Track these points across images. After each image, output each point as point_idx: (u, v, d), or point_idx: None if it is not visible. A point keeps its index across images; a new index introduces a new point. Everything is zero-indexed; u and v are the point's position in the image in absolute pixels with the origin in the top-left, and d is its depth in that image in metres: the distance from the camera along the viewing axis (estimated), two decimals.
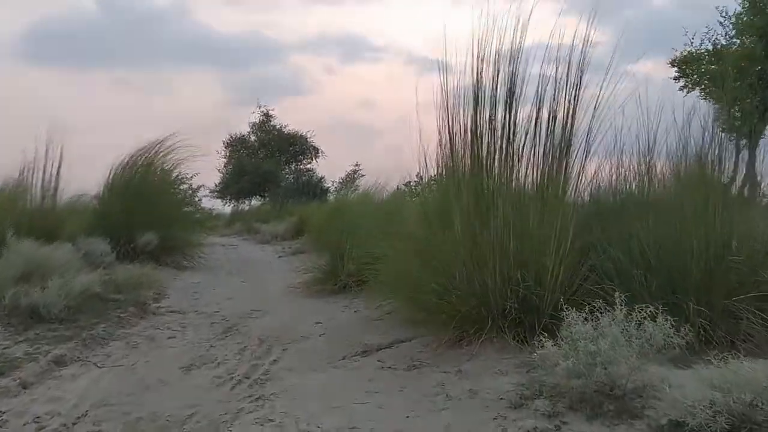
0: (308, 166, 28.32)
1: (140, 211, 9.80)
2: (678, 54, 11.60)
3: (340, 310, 6.34)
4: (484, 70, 4.44)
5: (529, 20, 4.29)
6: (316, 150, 28.07)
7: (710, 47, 11.05)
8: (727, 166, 4.27)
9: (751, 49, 9.77)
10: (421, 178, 7.22)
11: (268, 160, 26.82)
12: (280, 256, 12.68)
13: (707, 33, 11.24)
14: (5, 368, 4.02)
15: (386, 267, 5.31)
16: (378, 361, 4.24)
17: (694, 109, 4.27)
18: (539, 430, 2.74)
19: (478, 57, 4.42)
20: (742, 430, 2.40)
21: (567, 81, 4.23)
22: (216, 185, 26.95)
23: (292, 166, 28.41)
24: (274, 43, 43.85)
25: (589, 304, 3.23)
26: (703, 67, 10.96)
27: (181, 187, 11.90)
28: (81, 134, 28.53)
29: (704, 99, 9.13)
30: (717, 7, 10.87)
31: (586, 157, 4.27)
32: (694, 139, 4.13)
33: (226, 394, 3.70)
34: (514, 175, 4.33)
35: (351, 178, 20.78)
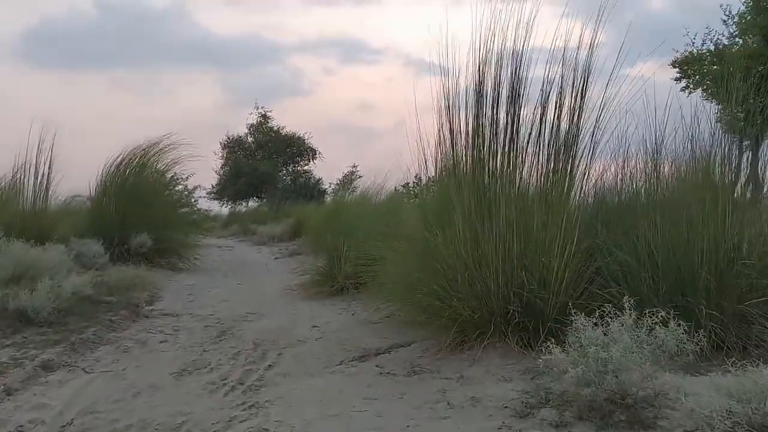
0: (306, 167, 28.21)
1: (134, 212, 9.68)
2: (679, 55, 11.50)
3: (337, 313, 6.20)
4: (486, 67, 4.32)
5: (533, 17, 4.18)
6: (314, 151, 27.96)
7: (712, 47, 10.95)
8: (735, 166, 4.17)
9: (754, 49, 9.66)
10: (420, 179, 7.12)
11: (266, 162, 26.67)
12: (276, 258, 12.55)
13: (709, 33, 11.18)
14: None
15: (385, 269, 5.19)
16: (377, 366, 4.10)
17: (702, 109, 4.16)
18: None
19: (480, 53, 4.31)
20: None
21: (573, 78, 4.12)
22: (213, 186, 26.86)
23: (290, 168, 28.28)
24: (273, 44, 43.75)
25: (598, 308, 3.12)
26: (705, 67, 10.84)
27: (177, 188, 11.75)
28: (80, 135, 28.45)
29: (706, 99, 9.03)
30: (721, 5, 10.79)
31: (591, 156, 4.15)
32: (703, 139, 4.01)
33: (219, 401, 3.56)
34: (518, 175, 4.20)
35: (349, 179, 20.64)
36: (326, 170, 31.06)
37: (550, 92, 4.15)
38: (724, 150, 3.98)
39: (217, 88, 42.85)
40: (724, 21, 10.80)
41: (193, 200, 14.05)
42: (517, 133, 4.20)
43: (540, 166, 4.17)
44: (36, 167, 9.03)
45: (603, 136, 4.16)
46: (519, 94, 4.20)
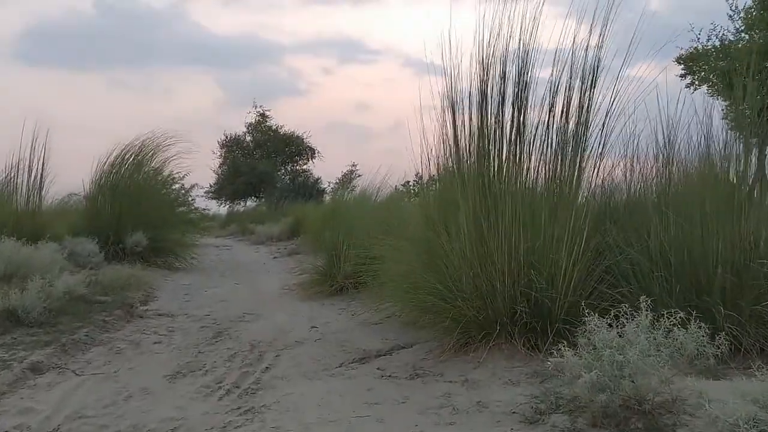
0: (304, 167, 28.01)
1: (130, 211, 9.53)
2: (683, 51, 11.33)
3: (336, 313, 6.06)
4: (492, 61, 4.19)
5: (539, 12, 4.06)
6: (313, 151, 27.75)
7: (717, 43, 10.79)
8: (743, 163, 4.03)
9: (761, 44, 9.50)
10: (421, 177, 6.98)
11: (264, 161, 26.47)
12: (275, 257, 12.41)
13: (714, 29, 11.01)
14: None
15: (385, 268, 5.05)
16: (378, 368, 3.95)
17: (714, 105, 4.03)
18: None
19: (486, 49, 4.18)
20: None
21: (582, 73, 3.98)
22: (211, 186, 26.67)
23: (288, 167, 28.07)
24: (271, 44, 43.50)
25: (608, 308, 2.97)
26: (711, 63, 10.68)
27: (174, 187, 11.58)
28: (80, 135, 28.30)
29: (712, 96, 8.89)
30: (727, 0, 10.63)
31: (601, 152, 4.01)
32: (718, 135, 3.88)
33: (214, 405, 3.40)
34: (524, 172, 4.06)
35: (348, 178, 20.46)
36: (325, 170, 30.87)
37: (558, 85, 4.02)
38: (740, 146, 3.84)
39: (216, 89, 42.65)
40: (730, 16, 10.69)
41: (190, 199, 13.91)
42: (524, 126, 4.06)
43: (547, 160, 4.02)
44: (29, 165, 8.92)
45: (612, 132, 4.02)
46: (526, 84, 4.06)
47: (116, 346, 4.76)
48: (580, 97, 4.05)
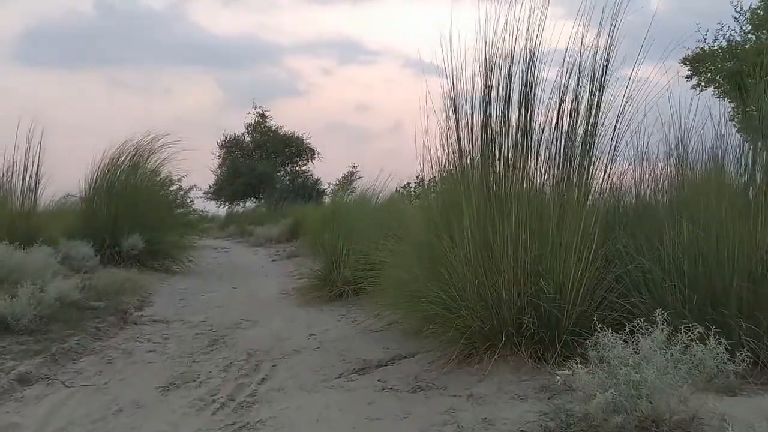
0: (304, 168, 27.83)
1: (126, 213, 9.37)
2: (689, 52, 11.15)
3: (336, 320, 5.90)
4: (496, 62, 4.05)
5: (545, 13, 3.91)
6: (312, 152, 27.56)
7: (724, 44, 10.62)
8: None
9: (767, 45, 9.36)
10: (422, 179, 6.83)
11: (264, 162, 26.30)
12: (273, 260, 12.26)
13: (720, 29, 10.84)
14: None
15: (386, 274, 4.90)
16: (378, 380, 3.80)
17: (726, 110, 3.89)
18: None
19: (490, 50, 4.04)
20: None
21: (592, 75, 3.84)
22: (210, 187, 26.50)
23: (288, 168, 27.89)
24: (270, 44, 43.36)
25: (618, 319, 2.81)
26: (717, 64, 10.50)
27: (171, 188, 11.44)
28: (80, 136, 28.15)
29: (718, 98, 8.73)
30: (731, 2, 10.48)
31: (612, 156, 3.87)
32: (733, 139, 3.74)
33: (207, 420, 3.26)
34: (531, 177, 3.91)
35: (348, 180, 20.29)
36: (324, 171, 30.73)
37: (567, 85, 3.87)
38: (756, 151, 3.70)
39: (216, 89, 42.50)
40: (736, 18, 10.53)
41: (188, 200, 13.76)
42: (530, 128, 3.92)
43: (555, 164, 3.88)
44: (24, 166, 8.76)
45: (623, 136, 3.87)
46: (532, 87, 3.91)
47: (108, 355, 4.62)
48: (588, 98, 3.91)
